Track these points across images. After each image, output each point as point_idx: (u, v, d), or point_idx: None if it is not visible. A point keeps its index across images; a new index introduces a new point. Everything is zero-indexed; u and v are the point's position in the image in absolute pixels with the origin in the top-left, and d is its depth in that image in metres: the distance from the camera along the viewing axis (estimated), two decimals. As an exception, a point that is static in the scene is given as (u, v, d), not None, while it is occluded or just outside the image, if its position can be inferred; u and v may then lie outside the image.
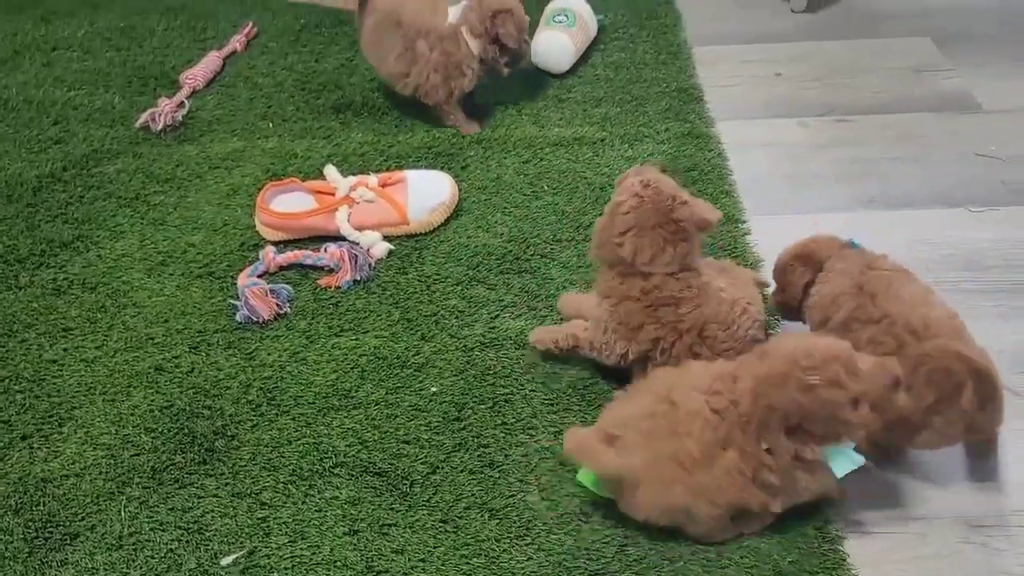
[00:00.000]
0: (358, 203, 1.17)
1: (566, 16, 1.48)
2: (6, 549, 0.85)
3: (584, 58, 1.50)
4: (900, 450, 0.90)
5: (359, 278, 1.11)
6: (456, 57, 1.28)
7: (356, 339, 1.05)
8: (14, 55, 1.52)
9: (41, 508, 0.88)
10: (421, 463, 0.91)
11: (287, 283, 1.11)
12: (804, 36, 1.57)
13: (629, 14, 1.60)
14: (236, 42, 1.54)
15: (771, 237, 1.17)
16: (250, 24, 1.58)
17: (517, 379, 0.99)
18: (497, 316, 1.07)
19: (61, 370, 1.01)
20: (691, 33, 1.57)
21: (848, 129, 1.36)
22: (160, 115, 1.35)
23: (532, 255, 1.15)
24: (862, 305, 0.89)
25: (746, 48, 1.54)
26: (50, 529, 0.86)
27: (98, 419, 0.96)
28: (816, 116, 1.39)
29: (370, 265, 1.13)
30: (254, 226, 1.19)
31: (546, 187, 1.25)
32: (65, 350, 1.03)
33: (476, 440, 0.93)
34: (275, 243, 1.16)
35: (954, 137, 1.33)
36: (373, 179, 1.18)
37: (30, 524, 0.86)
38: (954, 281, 1.10)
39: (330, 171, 1.20)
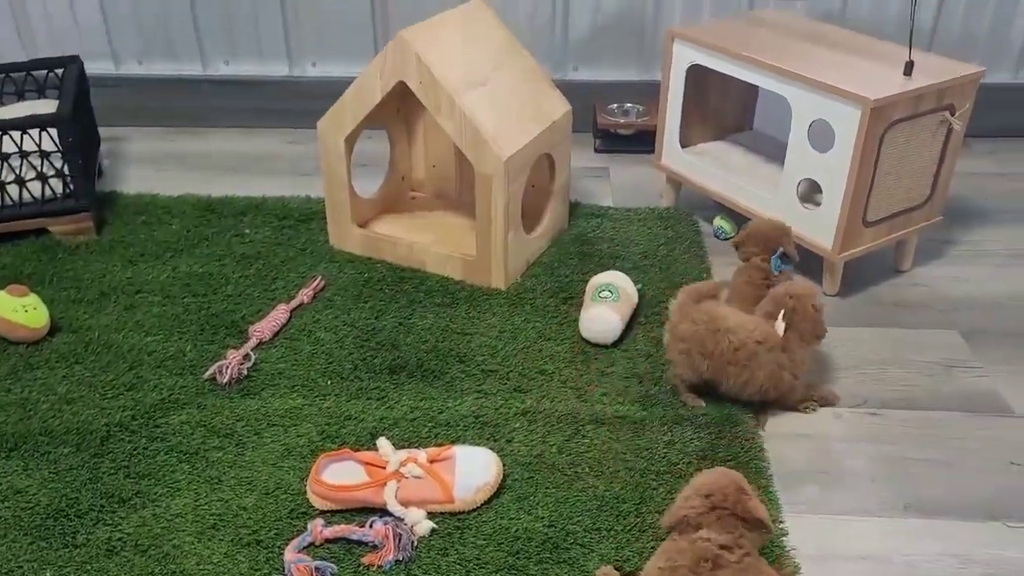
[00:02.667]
0: (407, 478, 1.22)
1: (610, 292, 1.58)
2: None
3: (628, 330, 1.59)
4: None
5: (401, 558, 1.14)
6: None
7: (394, 627, 1.06)
8: (100, 296, 1.65)
9: None
10: None
11: (332, 556, 1.14)
12: (833, 322, 1.65)
13: (669, 288, 1.71)
14: (304, 295, 1.66)
15: (808, 540, 1.19)
16: (318, 278, 1.71)
17: None
18: (534, 610, 1.08)
19: (105, 642, 1.03)
20: (728, 311, 1.66)
21: (881, 424, 1.40)
22: (227, 367, 1.44)
23: (571, 544, 1.17)
24: None
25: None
26: None
27: None
28: (850, 408, 1.44)
29: (413, 544, 1.16)
30: (305, 492, 1.24)
31: (587, 468, 1.30)
32: (112, 619, 1.06)
33: None
34: (323, 512, 1.20)
35: (987, 442, 1.36)
36: (423, 455, 1.24)
37: None
38: (994, 606, 1.10)
39: (383, 444, 1.26)
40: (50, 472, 1.26)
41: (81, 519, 1.19)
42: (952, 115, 1.61)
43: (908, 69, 1.57)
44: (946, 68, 1.61)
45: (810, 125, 1.61)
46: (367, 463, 1.25)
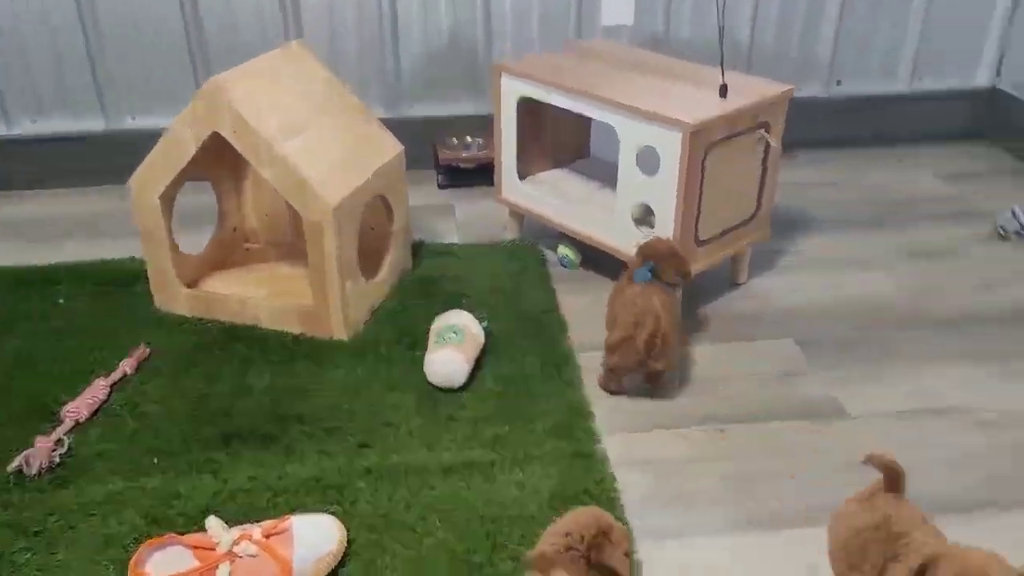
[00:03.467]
0: (241, 558, 1.13)
1: (455, 332, 1.54)
2: None
3: (475, 369, 1.55)
4: None
5: (236, 649, 1.05)
6: None
7: None
8: None
9: None
10: None
11: (158, 657, 1.04)
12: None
13: (517, 322, 1.69)
14: (126, 365, 1.53)
15: (662, 567, 1.18)
16: (142, 345, 1.59)
17: None
18: None
19: None
20: (576, 341, 1.66)
21: (725, 441, 1.42)
22: (35, 457, 1.31)
23: (422, 607, 1.12)
24: None
25: (627, 355, 1.62)
26: None
27: None
28: (696, 426, 1.45)
29: (251, 631, 1.07)
30: (128, 585, 1.13)
31: (437, 522, 1.24)
32: None
33: None
34: (148, 608, 1.10)
35: (827, 447, 1.40)
36: (257, 531, 1.15)
37: None
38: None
39: (211, 523, 1.16)
40: None
41: None
42: (767, 132, 1.67)
43: (723, 92, 1.62)
44: (758, 88, 1.67)
45: (638, 151, 1.64)
46: (195, 546, 1.15)
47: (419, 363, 1.56)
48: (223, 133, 1.51)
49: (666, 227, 1.63)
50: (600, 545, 1.02)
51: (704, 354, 1.63)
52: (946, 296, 1.81)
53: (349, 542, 1.20)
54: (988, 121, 2.51)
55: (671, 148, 1.56)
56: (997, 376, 1.57)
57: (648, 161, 1.63)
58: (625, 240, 1.71)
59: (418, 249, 1.93)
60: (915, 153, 2.47)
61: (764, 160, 1.71)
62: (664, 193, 1.61)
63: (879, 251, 1.98)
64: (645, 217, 1.74)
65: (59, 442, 1.35)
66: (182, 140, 1.54)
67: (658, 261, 1.53)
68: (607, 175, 1.98)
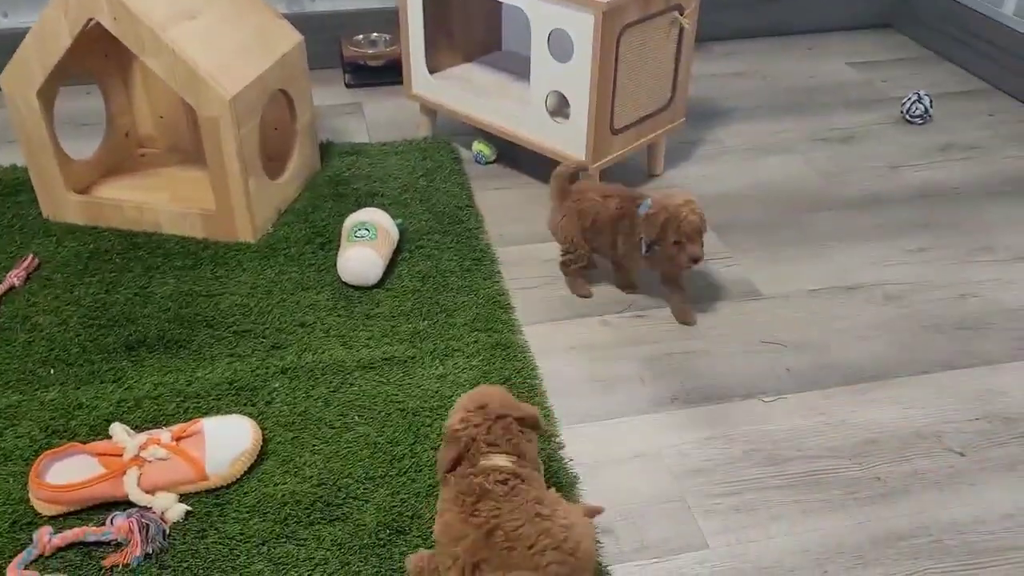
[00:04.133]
0: (149, 462, 1.08)
1: (367, 230, 1.49)
2: None
3: (391, 267, 1.51)
4: None
5: (151, 550, 1.01)
6: None
7: (148, 629, 0.94)
8: None
9: None
10: None
11: (68, 565, 0.99)
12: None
13: (432, 219, 1.64)
14: (13, 276, 1.43)
15: (585, 449, 1.19)
16: (30, 255, 1.48)
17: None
18: (308, 577, 1.00)
19: None
20: (493, 235, 1.63)
21: (645, 325, 1.43)
22: (-82, 374, 1.22)
23: (344, 499, 1.09)
24: None
25: (547, 247, 1.60)
26: None
27: None
28: (616, 313, 1.45)
29: (165, 533, 1.04)
30: (28, 500, 1.07)
31: (357, 417, 1.22)
32: None
33: None
34: (53, 518, 1.05)
35: (741, 326, 1.42)
36: (166, 434, 1.10)
37: None
38: (758, 478, 1.15)
39: (116, 429, 1.11)
40: None
41: None
42: (681, 15, 1.63)
43: (635, -29, 1.57)
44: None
45: (549, 35, 1.58)
46: (100, 454, 1.09)
47: (332, 263, 1.51)
48: (102, 21, 1.39)
49: (581, 115, 1.59)
50: (515, 406, 0.97)
51: (622, 243, 1.62)
52: (856, 178, 1.84)
53: (266, 441, 1.16)
54: (896, 10, 2.53)
55: (584, 30, 1.51)
56: (903, 252, 1.61)
57: (558, 46, 1.58)
58: (540, 131, 1.66)
59: (326, 150, 1.85)
60: (825, 43, 2.48)
61: (678, 45, 1.68)
62: (578, 79, 1.56)
63: (792, 137, 1.99)
64: (560, 108, 1.70)
65: (-57, 358, 1.26)
66: (55, 30, 1.41)
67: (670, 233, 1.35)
68: (519, 67, 1.92)
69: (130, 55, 1.68)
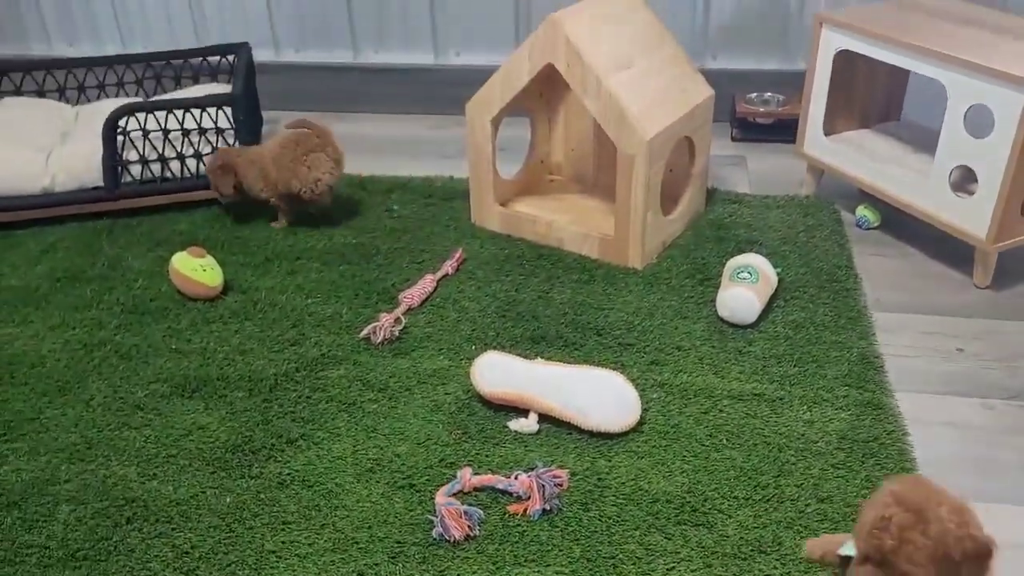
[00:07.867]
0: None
1: (749, 273, 1.59)
2: None
3: (765, 313, 1.59)
4: None
5: (547, 508, 1.20)
6: None
7: (539, 571, 1.12)
8: (265, 261, 1.78)
9: None
10: None
11: (480, 503, 1.21)
12: (986, 314, 1.60)
13: (809, 274, 1.70)
14: (448, 266, 1.74)
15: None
16: (459, 251, 1.79)
17: (692, 639, 1.02)
18: (673, 568, 1.12)
19: (279, 561, 1.14)
20: (871, 299, 1.64)
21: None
22: (380, 329, 1.54)
23: (709, 509, 1.20)
24: None
25: (927, 319, 1.58)
26: None
27: (305, 615, 1.06)
28: (1001, 399, 1.40)
29: (558, 496, 1.22)
30: (451, 444, 1.31)
31: (725, 440, 1.32)
32: (283, 543, 1.16)
33: None
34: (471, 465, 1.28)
35: None
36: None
37: None
38: None
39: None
40: (227, 412, 1.39)
41: (255, 454, 1.31)
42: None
43: (1076, 52, 1.51)
44: (1119, 52, 1.53)
45: (967, 110, 1.57)
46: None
47: (708, 297, 1.63)
48: (557, 65, 1.65)
49: (990, 193, 1.55)
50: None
51: (1013, 331, 1.55)
52: None
53: (640, 443, 1.31)
54: None
55: (1009, 108, 1.48)
56: None
57: (975, 122, 1.56)
58: (939, 203, 1.65)
59: (711, 195, 1.98)
60: None
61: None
62: (993, 156, 1.53)
63: None
64: (962, 184, 1.67)
65: (398, 320, 1.58)
66: (519, 69, 1.70)
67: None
68: (919, 138, 1.91)
69: (559, 96, 1.96)
